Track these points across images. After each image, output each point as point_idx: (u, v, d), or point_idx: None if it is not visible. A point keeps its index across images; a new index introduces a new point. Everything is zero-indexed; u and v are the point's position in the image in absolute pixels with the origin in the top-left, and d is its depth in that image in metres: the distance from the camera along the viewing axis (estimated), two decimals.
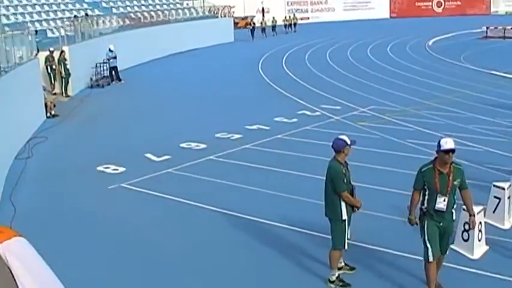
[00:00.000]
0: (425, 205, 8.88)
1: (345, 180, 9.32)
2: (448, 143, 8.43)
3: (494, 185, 12.17)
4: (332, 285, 9.71)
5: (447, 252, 9.25)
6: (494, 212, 12.07)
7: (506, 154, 16.69)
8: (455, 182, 8.67)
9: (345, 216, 9.41)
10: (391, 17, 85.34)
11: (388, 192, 13.93)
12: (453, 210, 8.92)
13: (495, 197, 12.08)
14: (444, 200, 8.64)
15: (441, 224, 8.82)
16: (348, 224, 9.52)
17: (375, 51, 44.09)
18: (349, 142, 9.39)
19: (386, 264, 10.40)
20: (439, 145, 8.56)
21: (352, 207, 9.51)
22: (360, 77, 31.39)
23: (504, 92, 26.38)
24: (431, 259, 8.83)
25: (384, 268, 10.27)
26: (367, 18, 79.56)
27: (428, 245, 8.81)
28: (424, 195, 8.89)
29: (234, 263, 10.78)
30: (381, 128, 19.98)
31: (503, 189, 11.96)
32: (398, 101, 24.51)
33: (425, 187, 8.80)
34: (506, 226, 11.98)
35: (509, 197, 12.07)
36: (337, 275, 9.74)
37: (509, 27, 54.63)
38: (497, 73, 32.31)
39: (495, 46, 47.78)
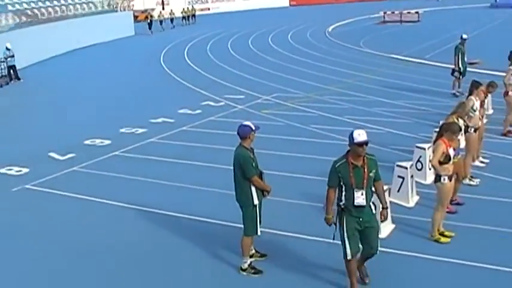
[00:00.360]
0: (343, 201, 8.56)
1: (254, 165, 9.34)
2: (361, 135, 8.17)
3: (397, 165, 12.44)
4: (244, 273, 9.69)
5: (377, 251, 8.85)
6: (398, 191, 12.34)
7: (408, 135, 17.10)
8: (370, 174, 8.46)
9: (256, 201, 9.42)
10: (290, 5, 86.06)
11: (295, 177, 14.03)
12: (372, 204, 8.67)
13: (399, 176, 12.35)
14: (362, 194, 8.39)
15: (361, 219, 8.50)
16: (259, 210, 9.52)
17: (276, 39, 44.40)
18: (254, 128, 9.41)
19: (297, 249, 10.45)
20: (352, 138, 8.24)
21: (262, 192, 9.53)
22: (262, 65, 31.52)
23: (404, 75, 27.06)
24: (349, 257, 8.60)
25: (295, 253, 10.32)
26: (268, 7, 80.00)
27: (347, 243, 8.54)
28: (340, 191, 8.58)
29: (145, 256, 10.58)
30: (285, 114, 20.12)
31: (406, 168, 12.25)
32: (301, 87, 24.74)
33: (341, 183, 8.50)
34: (411, 204, 12.27)
35: (412, 176, 12.36)
36: (249, 262, 9.73)
37: (405, 12, 56.16)
38: (396, 56, 33.15)
39: (393, 30, 48.97)
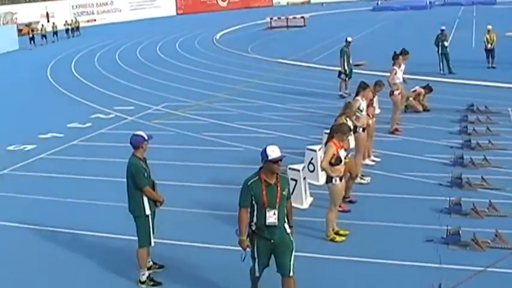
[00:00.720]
0: (254, 221, 8.15)
1: (146, 175, 9.24)
2: (275, 152, 7.82)
3: (289, 168, 12.57)
4: (143, 286, 9.55)
5: (291, 273, 8.27)
6: (292, 193, 12.44)
7: (298, 137, 17.34)
8: (283, 193, 8.07)
9: (148, 211, 9.33)
10: (177, 13, 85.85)
11: (188, 186, 13.99)
12: (285, 223, 8.26)
13: (291, 179, 12.44)
14: (274, 214, 7.98)
15: (272, 240, 8.11)
16: (152, 220, 9.43)
17: (164, 48, 44.15)
18: (146, 137, 9.34)
19: (194, 259, 10.38)
20: (265, 155, 7.83)
21: (155, 202, 9.44)
22: (151, 75, 31.23)
23: (292, 79, 27.48)
24: (257, 274, 8.42)
25: (193, 262, 10.25)
26: (154, 17, 79.43)
27: (256, 264, 8.32)
28: (251, 210, 8.14)
29: (40, 274, 10.25)
30: (176, 124, 20.02)
31: (298, 171, 12.41)
32: (191, 95, 24.69)
33: (253, 202, 8.04)
34: (305, 206, 12.45)
35: (304, 178, 12.54)
36: (147, 274, 9.59)
37: (291, 17, 57.10)
38: (284, 61, 33.62)
39: (280, 36, 49.67)
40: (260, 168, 8.08)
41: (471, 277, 9.17)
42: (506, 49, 30.31)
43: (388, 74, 17.88)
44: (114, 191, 12.93)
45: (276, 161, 7.85)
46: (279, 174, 8.10)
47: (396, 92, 17.40)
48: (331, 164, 10.41)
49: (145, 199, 9.29)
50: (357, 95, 13.99)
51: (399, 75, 17.58)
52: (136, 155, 9.31)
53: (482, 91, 23.12)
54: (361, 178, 13.57)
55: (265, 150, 7.90)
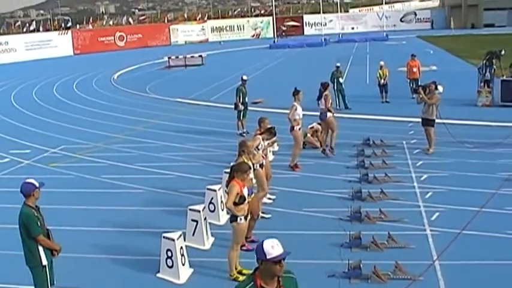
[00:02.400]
0: None
1: (39, 224, 8.90)
2: (275, 247, 5.83)
3: (190, 209, 12.47)
4: None
5: None
6: (193, 234, 12.36)
7: (198, 177, 17.25)
8: None
9: (44, 262, 8.99)
10: (75, 53, 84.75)
11: (87, 231, 13.61)
12: None
13: (192, 220, 12.39)
14: None
15: None
16: (50, 270, 9.09)
17: (61, 89, 43.33)
18: (37, 185, 9.00)
19: None
20: (262, 253, 5.82)
21: (51, 251, 9.09)
22: (48, 117, 30.51)
23: (191, 118, 27.45)
24: None
25: None
26: (51, 57, 78.12)
27: None
28: None
29: None
30: (74, 167, 19.54)
31: (199, 211, 12.32)
32: (89, 137, 24.22)
33: None
34: (207, 246, 12.35)
35: (205, 218, 12.45)
36: None
37: (189, 56, 57.31)
38: (183, 100, 33.59)
39: (178, 75, 49.69)
40: (255, 270, 6.01)
41: None
42: (398, 84, 31.33)
43: (288, 111, 18.11)
44: (7, 238, 12.42)
45: (278, 260, 5.85)
46: (283, 275, 6.04)
47: (297, 128, 17.63)
48: (235, 203, 10.37)
49: (40, 249, 8.95)
50: (261, 133, 14.07)
51: (299, 111, 17.83)
52: (27, 203, 8.97)
53: (377, 125, 23.78)
54: (263, 213, 13.62)
55: (261, 246, 5.85)
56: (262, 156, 14.05)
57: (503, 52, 27.60)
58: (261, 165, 13.63)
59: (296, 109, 17.78)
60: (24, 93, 42.77)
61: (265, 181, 13.98)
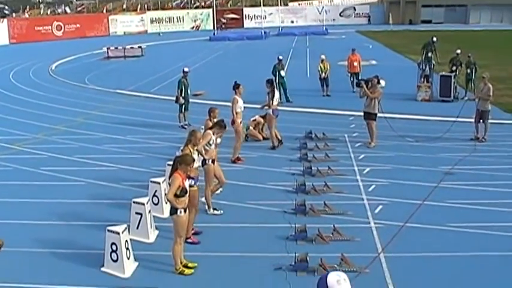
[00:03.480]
0: None
1: None
2: (342, 284, 4.64)
3: (134, 202, 12.30)
4: None
5: None
6: (138, 227, 12.20)
7: (141, 170, 17.06)
8: None
9: None
10: (11, 43, 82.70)
11: (28, 224, 13.28)
12: None
13: (136, 213, 12.22)
14: None
15: None
16: None
17: None
18: None
19: None
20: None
21: None
22: None
23: (132, 110, 27.10)
24: None
25: None
26: None
27: None
28: None
29: None
30: (13, 158, 19.07)
31: (143, 204, 12.15)
32: (27, 129, 23.67)
33: None
34: (151, 239, 12.21)
35: (149, 211, 12.30)
36: None
37: (128, 47, 56.61)
38: (122, 91, 33.16)
39: (117, 66, 49.01)
40: None
41: None
42: (339, 78, 31.59)
43: (230, 104, 18.05)
44: None
45: None
46: None
47: (238, 121, 17.60)
48: (176, 195, 10.26)
49: None
50: (210, 128, 13.92)
51: (240, 104, 17.80)
52: None
53: (319, 118, 23.94)
54: (214, 210, 13.55)
55: (325, 279, 4.68)
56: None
57: (435, 39, 28.42)
58: (213, 161, 13.51)
59: (237, 102, 17.75)
60: None
61: (213, 177, 13.88)
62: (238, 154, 17.88)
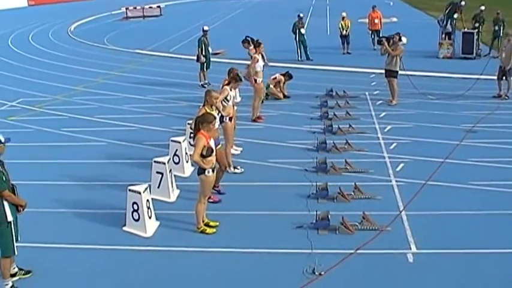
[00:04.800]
0: None
1: (4, 179, 8.61)
2: None
3: (155, 161, 12.30)
4: None
5: None
6: (158, 187, 12.22)
7: (161, 129, 17.06)
8: None
9: (10, 218, 8.69)
10: (29, 4, 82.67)
11: (48, 185, 13.35)
12: None
13: (157, 172, 12.23)
14: None
15: None
16: (15, 226, 8.84)
17: (17, 41, 42.25)
18: (3, 140, 8.69)
19: (61, 261, 9.89)
20: None
21: (16, 207, 8.83)
22: (4, 70, 29.73)
23: (151, 69, 27.09)
24: None
25: (60, 265, 9.75)
26: (4, 8, 76.09)
27: None
28: None
29: None
30: (34, 120, 19.15)
31: (164, 163, 12.15)
32: (48, 90, 23.73)
33: None
34: (172, 199, 12.22)
35: (170, 171, 12.30)
36: (10, 284, 9.01)
37: (147, 7, 56.42)
38: (142, 51, 33.09)
39: (136, 26, 48.92)
40: None
41: (343, 260, 9.32)
42: (359, 35, 31.28)
43: (250, 62, 17.92)
44: None
45: None
46: None
47: (259, 80, 17.47)
48: (202, 155, 10.21)
49: (6, 204, 8.63)
50: (226, 84, 13.78)
51: (260, 63, 17.66)
52: None
53: (339, 76, 23.77)
54: (235, 168, 13.54)
55: None
56: (232, 105, 13.89)
57: (463, 3, 27.68)
58: (230, 119, 13.45)
59: (257, 61, 17.60)
60: None
61: (232, 135, 13.84)
62: (259, 113, 17.80)
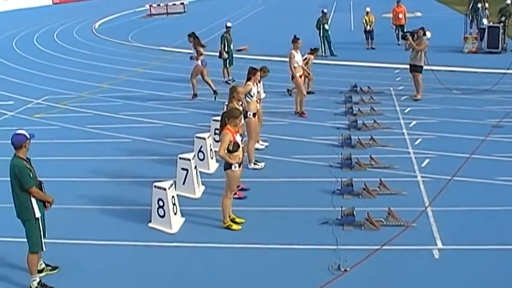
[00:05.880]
0: None
1: (31, 175, 8.68)
2: None
3: (180, 158, 12.33)
4: None
5: None
6: (184, 183, 12.26)
7: (186, 125, 17.12)
8: None
9: (38, 214, 8.78)
10: (54, 3, 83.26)
11: (74, 182, 13.45)
12: None
13: (182, 168, 12.27)
14: None
15: None
16: (43, 222, 8.92)
17: (42, 39, 42.57)
18: (28, 136, 8.76)
19: (87, 257, 9.97)
20: None
21: (44, 203, 8.91)
22: (30, 68, 29.97)
23: (175, 66, 27.18)
24: None
25: (86, 261, 9.83)
26: (30, 7, 76.70)
27: None
28: None
29: None
30: (59, 117, 19.28)
31: (189, 160, 12.18)
32: (73, 87, 23.89)
33: None
34: (197, 195, 12.25)
35: (195, 167, 12.33)
36: (38, 280, 9.07)
37: (171, 4, 56.59)
38: (166, 48, 33.21)
39: (160, 23, 49.08)
40: None
41: (368, 256, 9.28)
42: (383, 30, 31.13)
43: (287, 59, 17.80)
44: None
45: None
46: None
47: (297, 75, 17.37)
48: (229, 150, 10.23)
49: (33, 201, 8.72)
50: (248, 80, 13.77)
51: (298, 58, 17.57)
52: (18, 155, 8.70)
53: (364, 72, 23.67)
54: (255, 164, 13.55)
55: None
56: (257, 101, 13.89)
57: None
58: (254, 114, 13.45)
59: (294, 57, 17.53)
60: (4, 43, 41.95)
61: (257, 131, 13.86)
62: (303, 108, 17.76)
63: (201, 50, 20.12)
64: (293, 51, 17.60)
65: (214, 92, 20.09)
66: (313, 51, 20.70)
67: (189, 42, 20.40)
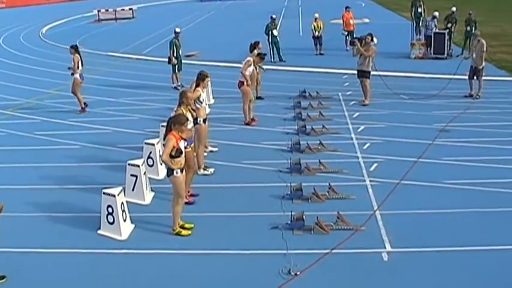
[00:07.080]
0: None
1: None
2: None
3: (129, 164, 12.26)
4: None
5: None
6: (133, 190, 12.19)
7: (135, 132, 17.01)
8: None
9: None
10: (0, 7, 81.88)
11: (22, 189, 13.22)
12: None
13: (132, 175, 12.19)
14: None
15: None
16: None
17: None
18: None
19: (36, 266, 9.81)
20: None
21: None
22: None
23: (124, 72, 26.98)
24: None
25: (36, 270, 9.68)
26: None
27: None
28: None
29: None
30: (6, 124, 18.96)
31: (138, 166, 12.11)
32: (20, 93, 23.51)
33: None
34: (147, 201, 12.20)
35: (144, 173, 12.26)
36: None
37: (119, 9, 56.18)
38: (114, 54, 32.94)
39: (109, 28, 48.67)
40: None
41: (318, 260, 9.36)
42: (331, 36, 31.42)
43: (242, 65, 17.66)
44: None
45: None
46: None
47: (245, 84, 17.19)
48: (171, 156, 10.22)
49: None
50: (197, 85, 13.69)
51: (251, 68, 17.45)
52: None
53: (312, 77, 23.86)
54: (204, 169, 13.53)
55: None
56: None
57: None
58: (204, 120, 13.42)
59: (250, 65, 17.41)
60: None
61: (205, 137, 13.84)
62: (252, 115, 17.72)
63: (79, 64, 19.77)
64: (250, 58, 17.53)
65: (83, 108, 20.03)
66: (259, 55, 20.57)
67: (70, 54, 20.01)
